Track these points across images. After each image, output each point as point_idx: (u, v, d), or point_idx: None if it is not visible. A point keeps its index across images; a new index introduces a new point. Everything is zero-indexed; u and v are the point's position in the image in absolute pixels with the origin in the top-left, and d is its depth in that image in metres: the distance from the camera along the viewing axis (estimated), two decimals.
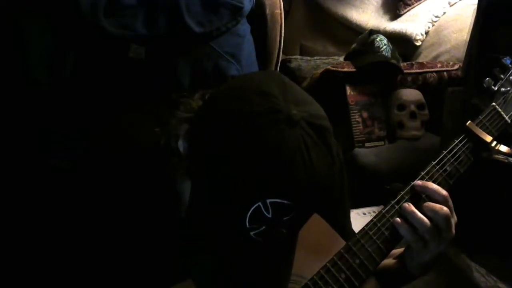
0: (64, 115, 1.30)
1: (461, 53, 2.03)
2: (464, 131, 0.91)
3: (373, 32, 2.22)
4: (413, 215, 0.81)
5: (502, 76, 0.97)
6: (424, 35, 2.38)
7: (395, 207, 0.83)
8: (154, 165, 0.88)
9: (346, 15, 2.69)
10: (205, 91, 0.91)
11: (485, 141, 0.90)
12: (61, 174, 1.08)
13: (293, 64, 2.39)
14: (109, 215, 0.88)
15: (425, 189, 0.84)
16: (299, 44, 2.83)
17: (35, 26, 1.29)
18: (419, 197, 0.84)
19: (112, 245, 0.87)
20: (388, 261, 0.90)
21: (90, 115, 1.28)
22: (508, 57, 0.98)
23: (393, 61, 2.04)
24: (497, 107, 0.94)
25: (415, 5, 2.48)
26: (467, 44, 1.73)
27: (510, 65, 0.98)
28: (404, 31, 2.40)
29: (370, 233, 0.81)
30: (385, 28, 2.47)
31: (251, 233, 0.76)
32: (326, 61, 2.42)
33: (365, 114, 2.01)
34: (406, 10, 2.49)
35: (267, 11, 1.59)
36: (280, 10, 1.62)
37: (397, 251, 0.90)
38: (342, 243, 0.81)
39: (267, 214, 0.74)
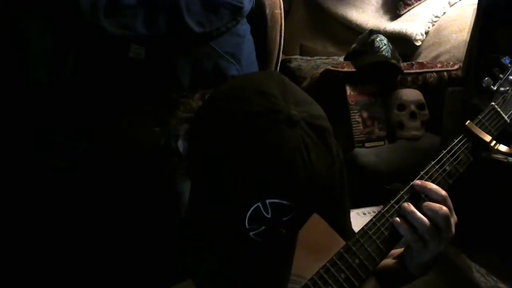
0: (64, 115, 1.30)
1: (461, 53, 2.03)
2: (463, 130, 0.91)
3: (373, 32, 2.22)
4: (413, 214, 0.81)
5: (501, 75, 0.97)
6: (424, 35, 2.38)
7: (394, 207, 0.83)
8: (154, 165, 0.88)
9: (346, 15, 2.69)
10: (205, 91, 0.91)
11: (485, 141, 0.90)
12: (61, 174, 1.08)
13: (293, 64, 2.39)
14: (109, 215, 0.88)
15: (424, 188, 0.84)
16: (299, 44, 2.83)
17: (35, 26, 1.29)
18: (419, 197, 0.83)
19: (112, 245, 0.87)
20: (388, 261, 0.90)
21: (90, 115, 1.28)
22: (507, 57, 0.98)
23: (393, 61, 2.04)
24: (496, 106, 0.94)
25: (415, 5, 2.48)
26: (467, 44, 1.73)
27: (509, 65, 0.98)
28: (404, 31, 2.40)
29: (370, 232, 0.81)
30: (385, 28, 2.46)
31: (251, 234, 0.76)
32: (326, 61, 2.42)
33: (365, 114, 2.01)
34: (406, 10, 2.49)
35: (267, 11, 1.59)
36: (280, 10, 1.62)
37: (396, 251, 0.89)
38: (342, 243, 0.80)
39: (266, 215, 0.74)
